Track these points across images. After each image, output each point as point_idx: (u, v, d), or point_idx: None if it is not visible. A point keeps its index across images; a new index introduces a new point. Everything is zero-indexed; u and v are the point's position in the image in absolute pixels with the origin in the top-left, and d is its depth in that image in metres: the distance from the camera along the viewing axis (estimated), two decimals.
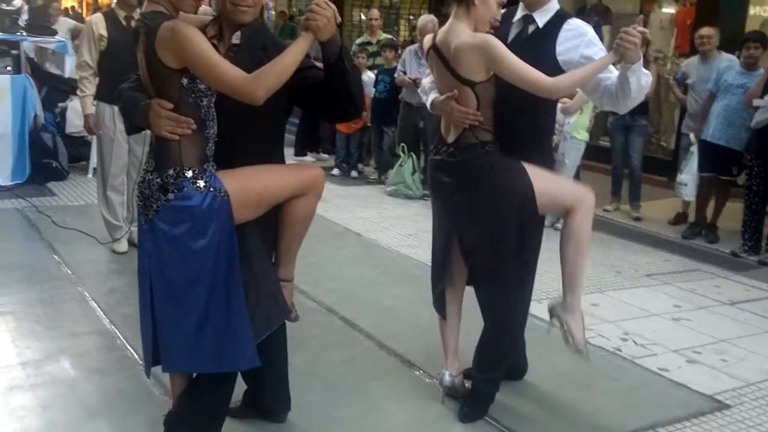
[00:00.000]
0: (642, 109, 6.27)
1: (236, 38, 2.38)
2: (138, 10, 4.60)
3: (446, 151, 2.87)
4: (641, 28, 2.59)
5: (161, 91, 2.23)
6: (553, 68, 2.74)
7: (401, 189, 6.81)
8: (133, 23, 4.59)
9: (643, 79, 2.72)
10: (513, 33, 2.93)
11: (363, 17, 9.53)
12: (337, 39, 2.26)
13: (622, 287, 4.81)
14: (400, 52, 7.34)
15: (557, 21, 2.87)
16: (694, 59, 6.30)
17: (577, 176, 5.95)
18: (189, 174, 2.24)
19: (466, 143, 2.80)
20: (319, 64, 2.37)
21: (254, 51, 2.36)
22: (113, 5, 4.81)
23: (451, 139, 2.85)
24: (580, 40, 2.81)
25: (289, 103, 2.48)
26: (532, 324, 3.82)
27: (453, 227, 2.96)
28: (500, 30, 2.98)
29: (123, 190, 4.92)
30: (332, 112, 2.58)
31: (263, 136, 2.47)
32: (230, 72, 2.13)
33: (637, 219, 6.44)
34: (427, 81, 3.12)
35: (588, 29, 2.87)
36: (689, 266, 5.37)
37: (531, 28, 2.89)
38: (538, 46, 2.85)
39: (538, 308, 3.62)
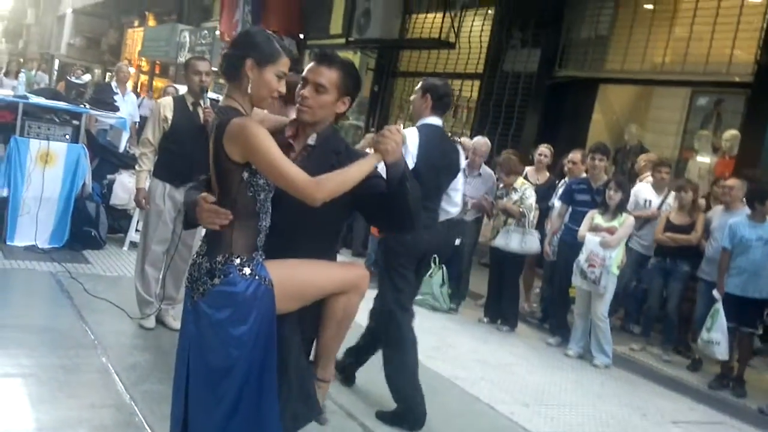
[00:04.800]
0: (685, 253, 6.24)
1: (312, 140, 2.51)
2: (206, 97, 4.83)
3: None
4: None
5: (222, 181, 2.34)
6: None
7: (428, 300, 6.80)
8: (199, 110, 4.83)
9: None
10: None
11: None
12: (401, 162, 2.38)
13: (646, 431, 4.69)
14: None
15: None
16: (719, 207, 6.37)
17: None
18: (237, 261, 2.30)
19: None
20: None
21: (327, 154, 2.48)
22: (184, 93, 5.06)
23: None
24: None
25: (351, 208, 2.56)
26: None
27: None
28: None
29: (160, 267, 4.99)
30: (388, 224, 2.68)
31: (319, 234, 2.53)
32: (293, 172, 2.24)
33: (667, 362, 6.26)
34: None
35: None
36: (715, 418, 5.23)
37: None
38: None
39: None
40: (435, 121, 4.15)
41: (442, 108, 4.17)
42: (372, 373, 4.46)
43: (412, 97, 4.24)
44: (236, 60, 2.34)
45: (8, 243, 6.31)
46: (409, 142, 3.86)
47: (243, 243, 2.34)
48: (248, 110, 2.36)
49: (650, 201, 6.62)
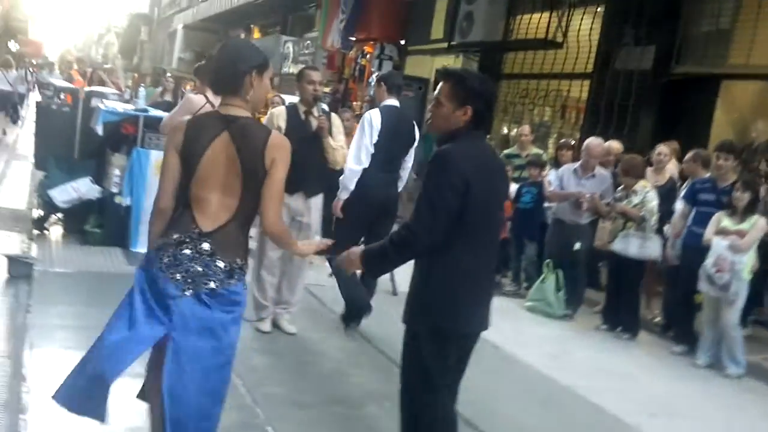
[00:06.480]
0: None
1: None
2: (320, 106, 4.87)
3: None
4: None
5: (250, 183, 2.52)
6: None
7: (541, 306, 6.59)
8: (311, 119, 4.87)
9: None
10: None
11: (512, 133, 9.71)
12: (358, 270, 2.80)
13: None
14: (545, 168, 7.33)
15: None
16: None
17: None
18: (245, 265, 2.57)
19: None
20: None
21: None
22: (296, 102, 5.09)
23: None
24: None
25: None
26: None
27: None
28: None
29: (276, 272, 5.05)
30: None
31: None
32: (279, 204, 2.63)
33: None
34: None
35: None
36: None
37: None
38: None
39: None
40: (393, 102, 5.13)
41: (397, 91, 5.19)
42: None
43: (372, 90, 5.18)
44: (237, 75, 2.52)
45: (132, 249, 6.59)
46: (374, 119, 4.94)
47: (246, 249, 2.58)
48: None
49: None
